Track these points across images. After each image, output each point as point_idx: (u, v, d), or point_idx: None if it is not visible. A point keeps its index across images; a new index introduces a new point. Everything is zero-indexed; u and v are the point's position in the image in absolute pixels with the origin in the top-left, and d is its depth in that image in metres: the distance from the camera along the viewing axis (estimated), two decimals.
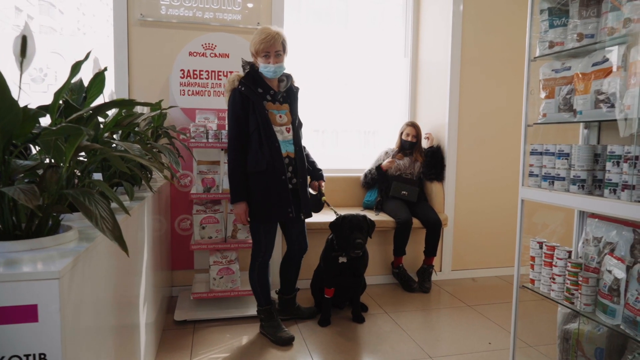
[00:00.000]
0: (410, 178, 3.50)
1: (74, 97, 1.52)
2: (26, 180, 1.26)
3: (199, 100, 2.97)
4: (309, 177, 2.60)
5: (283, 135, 2.40)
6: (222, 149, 2.76)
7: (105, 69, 1.54)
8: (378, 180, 3.52)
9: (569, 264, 1.76)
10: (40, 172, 1.17)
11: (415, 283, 3.34)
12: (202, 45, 2.95)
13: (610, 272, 1.61)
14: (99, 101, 1.54)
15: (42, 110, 1.32)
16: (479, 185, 3.62)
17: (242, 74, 2.42)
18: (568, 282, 1.77)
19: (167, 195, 2.94)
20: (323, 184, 2.67)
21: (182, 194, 3.04)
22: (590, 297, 1.68)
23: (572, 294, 1.75)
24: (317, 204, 2.65)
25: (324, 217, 2.89)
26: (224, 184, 2.68)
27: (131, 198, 1.70)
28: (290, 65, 2.52)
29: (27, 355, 0.86)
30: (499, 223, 3.65)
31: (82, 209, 1.02)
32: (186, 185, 3.05)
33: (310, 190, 2.62)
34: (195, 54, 2.95)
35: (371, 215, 3.30)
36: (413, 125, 3.53)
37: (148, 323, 2.06)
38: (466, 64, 3.49)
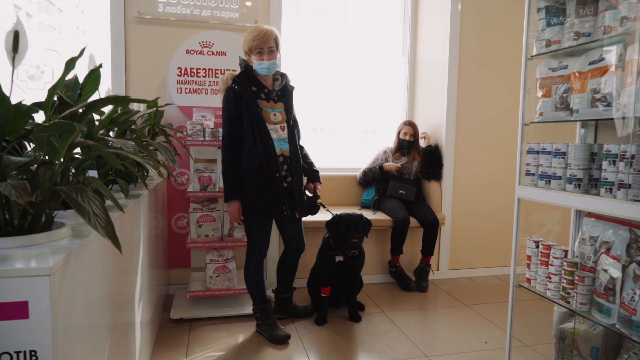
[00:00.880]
0: (408, 177, 3.49)
1: (69, 94, 1.52)
2: (21, 177, 1.25)
3: (196, 98, 2.96)
4: (305, 177, 2.59)
5: (277, 133, 2.40)
6: (219, 147, 2.74)
7: (100, 65, 1.53)
8: (378, 180, 3.51)
9: (565, 263, 1.76)
10: (34, 168, 1.16)
11: (412, 282, 3.34)
12: (200, 43, 2.94)
13: (606, 271, 1.61)
14: (94, 98, 1.53)
15: (36, 106, 1.31)
16: (476, 184, 3.62)
17: (235, 72, 2.41)
18: (564, 281, 1.77)
19: (164, 194, 2.94)
20: (319, 186, 2.66)
21: (179, 192, 3.03)
22: (586, 297, 1.68)
23: (568, 293, 1.75)
24: (313, 207, 2.64)
25: (320, 215, 2.88)
26: (221, 182, 2.67)
27: (126, 195, 1.69)
28: (289, 63, 2.53)
29: (17, 352, 0.85)
30: (497, 222, 3.65)
31: (75, 206, 1.02)
32: (183, 184, 3.05)
33: (307, 192, 2.62)
34: (192, 52, 2.94)
35: (368, 214, 3.30)
36: (410, 124, 3.53)
37: (144, 321, 2.05)
38: (464, 63, 3.49)
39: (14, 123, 1.02)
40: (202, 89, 2.98)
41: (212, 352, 2.29)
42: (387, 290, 3.31)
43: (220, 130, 2.69)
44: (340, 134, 3.90)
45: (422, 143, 3.61)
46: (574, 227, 2.07)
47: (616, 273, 1.56)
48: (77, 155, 1.43)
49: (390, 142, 3.67)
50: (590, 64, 1.65)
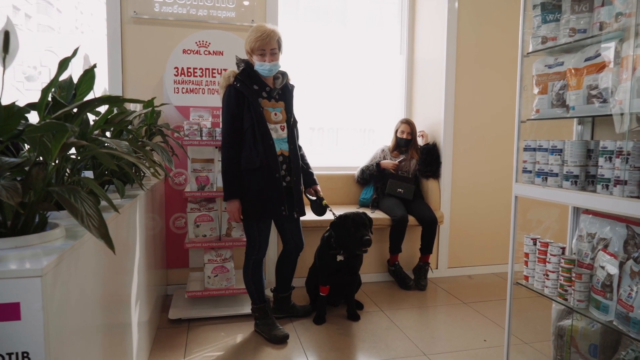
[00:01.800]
0: (406, 175, 3.49)
1: (63, 94, 1.51)
2: (14, 179, 1.24)
3: (193, 98, 2.96)
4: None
5: (277, 133, 2.39)
6: (216, 147, 2.75)
7: (95, 65, 1.52)
8: (375, 178, 3.50)
9: (562, 261, 1.76)
10: (27, 169, 1.16)
11: (411, 281, 3.34)
12: (196, 42, 2.94)
13: (603, 268, 1.61)
14: (89, 98, 1.52)
15: (30, 107, 1.31)
16: (475, 182, 3.61)
17: (237, 70, 2.40)
18: (561, 278, 1.76)
19: (162, 194, 2.93)
20: (319, 188, 2.66)
21: (177, 192, 3.03)
22: (583, 294, 1.67)
23: (566, 291, 1.75)
24: (320, 209, 2.63)
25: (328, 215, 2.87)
26: (218, 181, 2.67)
27: (122, 196, 1.69)
28: (288, 62, 2.53)
29: (9, 354, 0.85)
30: (495, 220, 3.65)
31: (68, 207, 1.01)
32: (181, 184, 3.04)
33: (308, 196, 2.61)
34: (189, 52, 2.94)
35: (367, 212, 3.29)
36: (407, 123, 3.52)
37: (141, 322, 2.05)
38: (462, 61, 3.48)
39: (6, 124, 1.02)
40: (199, 88, 2.97)
41: (211, 352, 2.29)
42: (386, 289, 3.31)
43: (218, 130, 2.69)
44: (339, 133, 3.89)
45: (420, 141, 3.61)
46: (572, 224, 2.07)
47: (613, 270, 1.56)
48: (73, 156, 1.43)
49: (388, 141, 3.66)
50: (586, 60, 1.64)
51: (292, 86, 2.52)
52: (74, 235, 1.15)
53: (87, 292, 1.20)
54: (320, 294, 2.70)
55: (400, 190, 3.42)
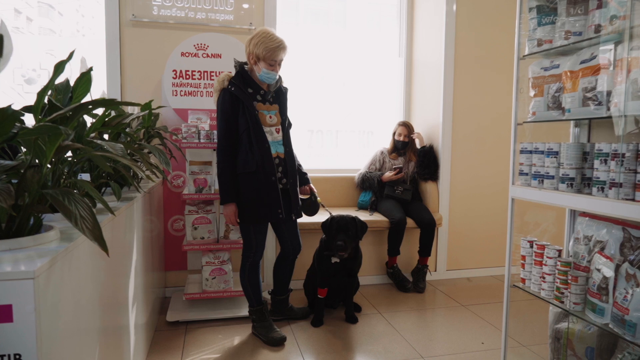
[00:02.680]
0: (404, 178, 3.49)
1: (59, 97, 1.52)
2: (8, 181, 1.25)
3: (191, 101, 2.97)
4: None
5: (273, 136, 2.40)
6: (214, 150, 2.75)
7: (91, 68, 1.53)
8: (376, 189, 3.50)
9: (558, 263, 1.76)
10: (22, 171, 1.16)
11: (409, 283, 3.34)
12: (195, 45, 2.95)
13: (599, 270, 1.61)
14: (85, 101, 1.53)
15: (27, 110, 1.31)
16: (474, 184, 3.61)
17: (232, 73, 2.41)
18: (558, 281, 1.76)
19: (160, 196, 2.94)
20: (313, 186, 2.68)
21: (175, 195, 3.03)
22: (579, 296, 1.67)
23: (562, 293, 1.75)
24: (314, 207, 2.65)
25: (317, 217, 2.88)
26: (216, 184, 2.67)
27: (118, 198, 1.69)
28: (288, 65, 2.54)
29: (2, 356, 0.85)
30: (494, 222, 3.65)
31: (61, 209, 1.02)
32: (179, 186, 3.05)
33: (302, 196, 2.62)
34: (187, 54, 2.95)
35: (365, 215, 3.30)
36: (405, 125, 3.52)
37: (138, 324, 2.05)
38: (460, 63, 3.49)
39: (0, 127, 1.03)
40: (198, 91, 2.98)
41: (208, 355, 2.29)
42: (384, 291, 3.31)
43: (216, 132, 2.70)
44: (337, 135, 3.89)
45: (417, 144, 3.61)
46: (569, 227, 2.07)
47: (609, 272, 1.55)
48: (70, 158, 1.44)
49: (387, 143, 3.66)
50: (582, 62, 1.64)
51: (286, 88, 2.53)
52: (69, 238, 1.15)
53: (83, 294, 1.20)
54: (318, 296, 2.70)
55: (398, 189, 3.42)
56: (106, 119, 1.88)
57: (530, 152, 1.88)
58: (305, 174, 2.68)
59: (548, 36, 1.80)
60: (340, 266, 2.64)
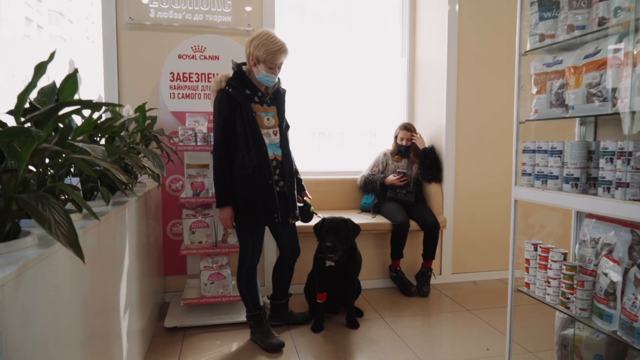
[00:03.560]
0: (408, 181, 3.42)
1: (44, 100, 1.48)
2: None
3: (189, 104, 2.93)
4: None
5: (270, 138, 2.35)
6: (211, 152, 2.70)
7: (76, 70, 1.50)
8: (378, 192, 3.43)
9: (564, 267, 1.68)
10: None
11: (413, 287, 3.26)
12: (192, 47, 2.91)
13: (606, 275, 1.53)
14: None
15: (10, 113, 1.28)
16: (478, 186, 3.53)
17: (229, 74, 2.37)
18: (563, 285, 1.69)
19: (158, 200, 2.90)
20: (307, 193, 2.64)
21: (174, 199, 3.00)
22: (586, 302, 1.59)
23: (568, 298, 1.67)
24: (307, 215, 2.60)
25: (317, 219, 2.82)
26: (214, 188, 2.63)
27: (108, 202, 1.65)
28: (291, 66, 2.50)
29: None
30: (500, 224, 3.56)
31: (34, 214, 0.98)
32: (177, 190, 3.01)
33: (297, 203, 2.56)
34: (184, 57, 2.91)
35: (367, 218, 3.24)
36: (406, 129, 3.46)
37: (133, 331, 2.01)
38: (463, 63, 3.42)
39: None
40: (195, 93, 2.94)
41: None
42: (387, 296, 3.24)
43: (213, 134, 2.66)
44: (340, 137, 3.84)
45: (418, 144, 3.53)
46: (575, 229, 1.99)
47: (616, 277, 1.48)
48: (51, 162, 1.40)
49: (390, 145, 3.60)
50: (585, 57, 1.57)
51: (284, 90, 2.49)
52: (47, 244, 1.11)
53: (63, 303, 1.16)
54: (318, 300, 2.64)
55: (401, 192, 3.35)
56: (98, 122, 1.85)
57: (534, 151, 1.81)
58: (301, 180, 2.62)
59: (550, 31, 1.73)
60: (336, 270, 2.58)
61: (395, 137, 3.50)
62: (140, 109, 2.22)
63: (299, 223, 2.57)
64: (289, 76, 2.50)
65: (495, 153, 3.53)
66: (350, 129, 3.84)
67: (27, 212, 0.97)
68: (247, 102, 2.29)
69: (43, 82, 1.44)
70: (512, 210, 1.93)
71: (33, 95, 1.41)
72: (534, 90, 1.83)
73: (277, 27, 3.21)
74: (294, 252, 2.55)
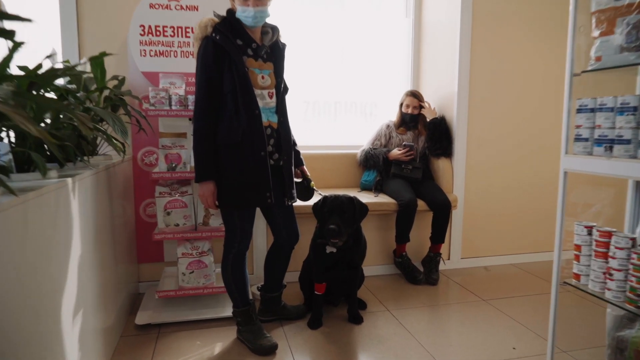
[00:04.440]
0: (414, 156, 3.04)
1: None
2: None
3: (162, 62, 2.49)
4: None
5: (265, 100, 1.94)
6: (189, 119, 2.30)
7: None
8: (381, 167, 3.05)
9: (634, 256, 1.33)
10: None
11: (420, 274, 2.92)
12: None
13: None
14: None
15: None
16: (492, 161, 3.17)
17: (217, 19, 1.92)
18: (632, 279, 1.33)
19: (128, 176, 2.49)
20: (306, 169, 2.24)
21: (147, 174, 2.57)
22: None
23: (638, 295, 1.32)
24: (307, 192, 2.23)
25: (315, 198, 2.44)
26: (192, 160, 2.22)
27: (44, 174, 1.25)
28: (285, 27, 2.09)
29: None
30: (515, 204, 3.23)
31: None
32: (151, 164, 2.59)
33: (295, 179, 2.17)
34: (157, 6, 2.46)
35: (369, 197, 2.86)
36: (414, 95, 3.07)
37: (89, 332, 1.62)
38: (478, 22, 3.01)
39: None
40: (171, 50, 2.50)
41: None
42: (392, 284, 2.89)
43: (191, 97, 2.24)
44: (337, 108, 3.43)
45: (427, 114, 3.15)
46: (633, 208, 1.63)
47: None
48: None
49: (393, 116, 3.21)
50: None
51: (284, 45, 2.06)
52: None
53: None
54: (315, 292, 2.27)
55: (407, 167, 2.98)
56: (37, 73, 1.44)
57: (592, 110, 1.44)
58: (299, 153, 2.23)
59: None
60: (338, 257, 2.21)
61: (401, 105, 3.11)
62: (96, 60, 1.78)
63: (298, 204, 2.19)
64: (283, 39, 2.06)
65: (513, 124, 3.17)
66: (349, 98, 3.44)
67: None
68: (238, 53, 1.86)
69: None
70: (560, 185, 1.56)
71: None
72: (596, 32, 1.44)
73: None
74: (291, 238, 2.17)
